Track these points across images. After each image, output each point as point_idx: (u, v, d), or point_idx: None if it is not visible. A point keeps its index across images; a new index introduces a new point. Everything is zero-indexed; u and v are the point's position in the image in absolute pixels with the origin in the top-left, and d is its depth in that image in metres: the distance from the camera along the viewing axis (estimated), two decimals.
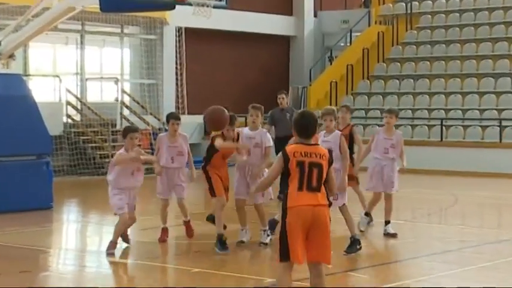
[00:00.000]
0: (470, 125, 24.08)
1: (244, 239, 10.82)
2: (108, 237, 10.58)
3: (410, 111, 25.89)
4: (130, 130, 10.57)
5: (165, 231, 11.17)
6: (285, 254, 6.70)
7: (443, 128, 23.89)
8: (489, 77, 25.80)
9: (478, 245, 11.24)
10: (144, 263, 9.85)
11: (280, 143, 16.05)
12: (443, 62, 27.33)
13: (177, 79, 26.67)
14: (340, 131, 11.17)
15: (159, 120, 24.41)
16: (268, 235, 10.78)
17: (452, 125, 24.26)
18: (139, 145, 11.44)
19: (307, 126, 6.93)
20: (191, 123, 24.50)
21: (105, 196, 10.58)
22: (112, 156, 13.34)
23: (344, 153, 10.37)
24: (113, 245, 10.35)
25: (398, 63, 28.31)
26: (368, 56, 28.41)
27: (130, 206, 10.44)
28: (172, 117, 11.26)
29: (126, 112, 24.09)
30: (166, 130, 11.99)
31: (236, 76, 29.16)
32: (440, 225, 13.63)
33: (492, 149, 22.18)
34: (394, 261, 10.24)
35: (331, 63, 30.05)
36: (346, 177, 10.40)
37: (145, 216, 12.75)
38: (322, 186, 6.82)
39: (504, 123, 23.20)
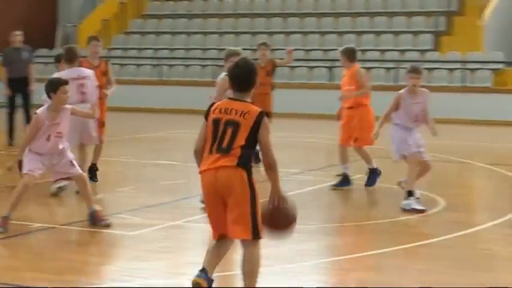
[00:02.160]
0: None
1: None
2: None
3: (183, 50, 25.92)
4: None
5: None
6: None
7: (217, 67, 24.11)
8: (262, 17, 26.28)
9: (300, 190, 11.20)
10: None
11: (15, 85, 15.38)
12: (217, 1, 27.51)
13: None
14: (263, 67, 11.28)
15: None
16: None
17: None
18: None
19: (238, 78, 5.70)
20: None
21: None
22: None
23: None
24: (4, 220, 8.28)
25: (172, 1, 28.13)
26: None
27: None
28: None
29: None
30: None
31: (2, 11, 27.73)
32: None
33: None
34: (167, 202, 10.11)
35: (102, 1, 29.38)
36: None
37: None
38: (238, 149, 5.55)
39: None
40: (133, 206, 9.56)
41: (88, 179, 9.12)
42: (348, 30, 24.75)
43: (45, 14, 28.99)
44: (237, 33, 26.03)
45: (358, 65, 11.01)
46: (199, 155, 5.80)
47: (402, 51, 23.31)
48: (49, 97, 8.34)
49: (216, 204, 5.61)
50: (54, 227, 8.58)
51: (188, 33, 26.66)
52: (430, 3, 24.68)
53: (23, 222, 8.51)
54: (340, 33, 24.66)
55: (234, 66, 5.73)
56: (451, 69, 22.14)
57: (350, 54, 10.93)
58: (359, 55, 23.57)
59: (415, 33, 23.84)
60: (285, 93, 18.61)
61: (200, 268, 5.71)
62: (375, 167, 10.90)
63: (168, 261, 7.37)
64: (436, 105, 19.99)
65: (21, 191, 8.28)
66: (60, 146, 8.43)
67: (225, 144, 5.56)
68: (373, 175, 10.89)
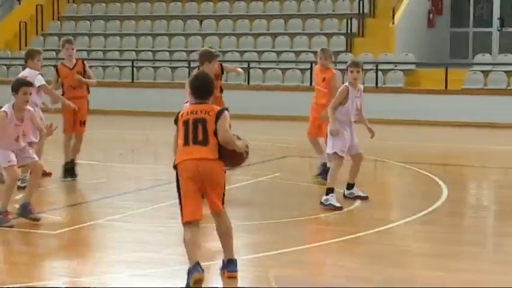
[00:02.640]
0: (160, 66, 24.69)
1: None
2: None
3: (101, 52, 25.93)
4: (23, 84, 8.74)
5: None
6: (181, 212, 6.56)
7: (134, 69, 24.25)
8: (178, 19, 26.47)
9: (170, 183, 11.49)
10: None
11: None
12: (134, 3, 27.56)
13: None
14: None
15: None
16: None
17: (143, 66, 24.69)
18: None
19: (199, 89, 6.75)
20: None
21: None
22: None
23: None
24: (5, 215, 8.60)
25: (89, 4, 28.08)
26: None
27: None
28: None
29: None
30: None
31: None
32: (133, 164, 13.78)
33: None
34: (87, 202, 10.31)
35: (19, 3, 29.07)
36: None
37: None
38: (212, 140, 6.55)
39: (193, 64, 24.00)
40: (54, 206, 9.64)
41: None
42: (264, 32, 25.14)
43: None
44: (154, 35, 26.15)
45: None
46: None
47: (316, 52, 23.69)
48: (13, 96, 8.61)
49: (195, 190, 6.56)
50: None
51: (105, 35, 26.66)
52: (342, 6, 25.24)
53: None
54: (256, 35, 25.06)
55: (194, 79, 6.81)
56: (364, 71, 22.63)
57: None
58: (273, 57, 24.18)
59: (328, 35, 24.36)
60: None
61: (191, 265, 6.37)
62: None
63: (93, 259, 7.52)
64: None
65: (12, 184, 8.55)
66: (23, 144, 8.69)
67: (200, 137, 6.58)
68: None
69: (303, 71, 22.99)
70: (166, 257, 7.50)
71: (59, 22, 27.72)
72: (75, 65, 11.67)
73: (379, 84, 21.89)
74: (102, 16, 27.50)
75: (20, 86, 8.59)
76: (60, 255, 7.68)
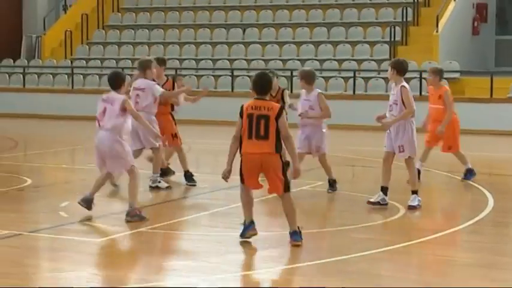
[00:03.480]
0: (204, 75, 24.82)
1: None
2: None
3: None
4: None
5: None
6: (242, 180, 8.08)
7: None
8: (221, 27, 26.61)
9: (212, 191, 11.60)
10: None
11: None
12: (177, 12, 27.80)
13: None
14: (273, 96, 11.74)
15: None
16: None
17: (186, 74, 24.84)
18: None
19: (260, 85, 8.03)
20: None
21: None
22: None
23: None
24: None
25: (134, 13, 28.40)
26: (103, 5, 28.22)
27: None
28: None
29: None
30: None
31: None
32: (176, 173, 13.85)
33: (225, 98, 22.94)
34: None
35: (65, 12, 29.54)
36: None
37: None
38: (272, 135, 7.85)
39: (236, 72, 24.13)
40: (99, 214, 9.68)
41: None
42: (306, 41, 25.19)
43: (10, 26, 29.13)
44: (197, 44, 26.34)
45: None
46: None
47: (359, 61, 23.76)
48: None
49: (255, 174, 8.08)
50: (21, 234, 8.71)
51: (149, 44, 26.91)
52: (385, 14, 25.18)
53: None
54: (298, 44, 25.13)
55: (256, 76, 8.18)
56: (407, 78, 22.56)
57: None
58: (316, 65, 24.18)
59: (372, 43, 24.31)
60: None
61: (247, 222, 8.09)
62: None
63: (137, 267, 7.61)
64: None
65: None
66: None
67: (262, 132, 7.90)
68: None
69: (346, 79, 22.95)
70: (209, 265, 7.54)
71: (104, 31, 28.06)
72: (165, 82, 11.99)
73: (423, 93, 21.74)
74: (146, 25, 27.76)
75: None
76: (105, 263, 7.77)
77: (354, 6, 25.74)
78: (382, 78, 22.47)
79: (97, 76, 25.54)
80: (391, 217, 9.68)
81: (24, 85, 25.89)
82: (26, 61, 27.62)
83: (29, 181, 11.04)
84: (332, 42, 24.76)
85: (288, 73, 23.20)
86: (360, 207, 9.94)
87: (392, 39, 23.67)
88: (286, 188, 8.07)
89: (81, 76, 25.80)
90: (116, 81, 9.49)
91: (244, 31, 26.28)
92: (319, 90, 11.42)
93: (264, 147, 7.88)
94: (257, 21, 26.54)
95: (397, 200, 10.51)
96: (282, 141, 7.97)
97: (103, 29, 28.18)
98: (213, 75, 24.64)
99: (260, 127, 7.86)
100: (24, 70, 26.38)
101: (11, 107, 24.77)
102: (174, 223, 9.39)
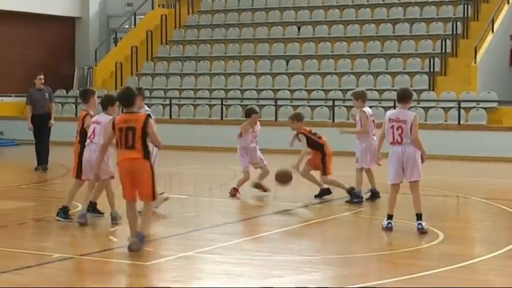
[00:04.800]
0: (248, 104, 25.53)
1: None
2: None
3: (192, 91, 27.07)
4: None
5: None
6: (123, 195, 8.98)
7: (223, 107, 25.23)
8: (265, 59, 27.45)
9: (256, 217, 12.05)
10: None
11: (38, 121, 17.56)
12: (223, 44, 28.68)
13: None
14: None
15: None
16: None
17: (232, 104, 25.66)
18: None
19: (125, 99, 8.94)
20: None
21: None
22: None
23: None
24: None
25: (181, 45, 29.35)
26: (152, 38, 29.22)
27: None
28: None
29: None
30: None
31: (22, 56, 29.12)
32: (221, 199, 14.00)
33: (269, 127, 23.56)
34: (178, 234, 10.52)
35: (116, 45, 30.58)
36: None
37: None
38: (139, 143, 8.74)
39: (279, 102, 24.86)
40: (151, 237, 9.79)
41: None
42: (348, 71, 25.86)
43: (64, 58, 30.36)
44: (242, 75, 27.18)
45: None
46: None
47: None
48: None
49: (129, 181, 8.86)
50: (72, 258, 8.94)
51: (195, 75, 27.80)
52: (425, 46, 25.76)
53: (43, 253, 9.13)
54: (340, 74, 25.81)
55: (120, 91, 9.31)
56: (446, 108, 23.13)
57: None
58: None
59: (411, 74, 24.88)
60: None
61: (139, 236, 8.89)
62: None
63: None
64: (433, 143, 21.27)
65: None
66: None
67: (129, 142, 8.79)
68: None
69: (386, 108, 23.50)
70: None
71: (153, 63, 29.02)
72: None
73: (461, 122, 22.29)
74: (193, 57, 28.68)
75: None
76: (151, 285, 7.94)
77: (394, 38, 26.41)
78: (422, 107, 23.05)
79: (146, 106, 26.38)
80: (431, 242, 9.82)
81: (76, 114, 26.73)
82: (78, 91, 28.66)
83: (79, 206, 11.22)
84: (373, 73, 25.40)
85: (330, 103, 23.91)
86: (400, 232, 10.18)
87: (431, 70, 24.23)
88: (154, 196, 8.97)
89: None
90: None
91: (287, 62, 27.07)
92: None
93: (133, 154, 8.73)
94: (300, 52, 27.32)
95: (437, 226, 10.67)
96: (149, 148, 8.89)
97: (152, 60, 29.16)
98: (257, 105, 25.38)
99: (128, 138, 8.74)
100: (76, 100, 27.28)
101: (63, 135, 25.65)
102: (218, 248, 9.54)
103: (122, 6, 32.09)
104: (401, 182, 10.46)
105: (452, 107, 22.77)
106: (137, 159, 8.81)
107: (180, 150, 23.20)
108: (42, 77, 17.44)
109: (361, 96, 13.05)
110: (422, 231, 10.21)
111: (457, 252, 9.43)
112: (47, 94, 17.63)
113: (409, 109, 10.67)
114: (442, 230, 10.46)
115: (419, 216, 10.31)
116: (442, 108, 23.09)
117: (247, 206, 12.98)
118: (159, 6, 31.30)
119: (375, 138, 12.64)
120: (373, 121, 13.04)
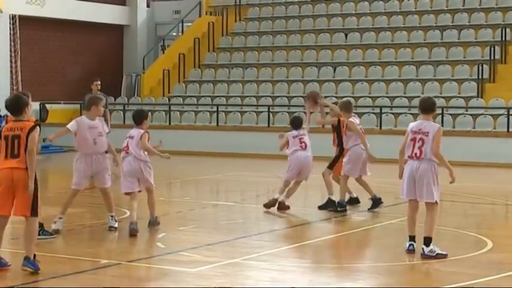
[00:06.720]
0: (296, 112, 25.61)
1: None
2: None
3: (239, 98, 27.19)
4: None
5: None
6: None
7: (270, 114, 25.31)
8: (312, 66, 27.47)
9: (303, 224, 12.13)
10: None
11: None
12: (270, 52, 28.78)
13: (11, 66, 26.66)
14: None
15: None
16: (115, 220, 11.13)
17: (278, 111, 25.71)
18: None
19: (13, 107, 8.51)
20: None
21: None
22: None
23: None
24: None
25: (228, 53, 29.51)
26: (199, 45, 29.43)
27: None
28: None
29: None
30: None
31: (72, 63, 29.53)
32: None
33: (315, 134, 23.50)
34: (225, 241, 10.54)
35: (163, 52, 30.88)
36: None
37: None
38: (23, 152, 8.27)
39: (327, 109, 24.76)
40: (194, 244, 10.01)
41: None
42: (395, 78, 25.77)
43: (112, 65, 30.73)
44: (289, 82, 27.23)
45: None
46: None
47: (447, 98, 24.17)
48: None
49: (7, 192, 8.31)
50: (120, 263, 9.00)
51: (243, 82, 27.93)
52: (473, 53, 25.57)
53: (92, 259, 9.24)
54: (388, 81, 25.73)
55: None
56: (495, 116, 22.91)
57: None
58: (405, 102, 24.61)
59: (459, 81, 24.70)
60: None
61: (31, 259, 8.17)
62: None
63: None
64: (482, 151, 20.96)
65: None
66: None
67: (15, 151, 8.34)
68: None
69: (434, 115, 23.34)
70: None
71: (200, 70, 29.23)
72: None
73: (510, 129, 22.06)
74: (240, 64, 28.82)
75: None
76: None
77: (442, 45, 26.24)
78: (470, 115, 22.87)
79: (193, 113, 26.67)
80: (480, 251, 9.81)
81: (124, 122, 27.02)
82: (126, 99, 29.05)
83: (128, 213, 11.32)
84: (421, 80, 25.27)
85: (377, 110, 23.84)
86: (448, 240, 10.15)
87: (479, 77, 24.04)
88: (34, 212, 8.31)
89: (178, 113, 26.95)
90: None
91: (334, 69, 27.07)
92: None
93: (14, 163, 8.25)
94: (347, 59, 27.30)
95: (485, 234, 10.72)
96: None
97: (199, 68, 29.36)
98: (304, 112, 25.38)
99: (14, 146, 8.31)
100: (124, 107, 27.59)
101: (111, 142, 25.96)
102: (264, 255, 9.57)
103: (169, 14, 32.37)
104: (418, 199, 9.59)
105: (501, 114, 22.54)
106: (19, 168, 8.30)
107: (227, 157, 23.43)
108: (99, 82, 17.34)
109: (345, 107, 13.28)
110: (423, 256, 9.27)
111: (506, 260, 9.36)
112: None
113: (433, 120, 10.02)
114: (490, 238, 10.40)
115: (425, 240, 9.35)
116: (491, 115, 22.88)
117: (294, 213, 12.99)
118: (206, 13, 31.50)
119: (362, 147, 12.87)
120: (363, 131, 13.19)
